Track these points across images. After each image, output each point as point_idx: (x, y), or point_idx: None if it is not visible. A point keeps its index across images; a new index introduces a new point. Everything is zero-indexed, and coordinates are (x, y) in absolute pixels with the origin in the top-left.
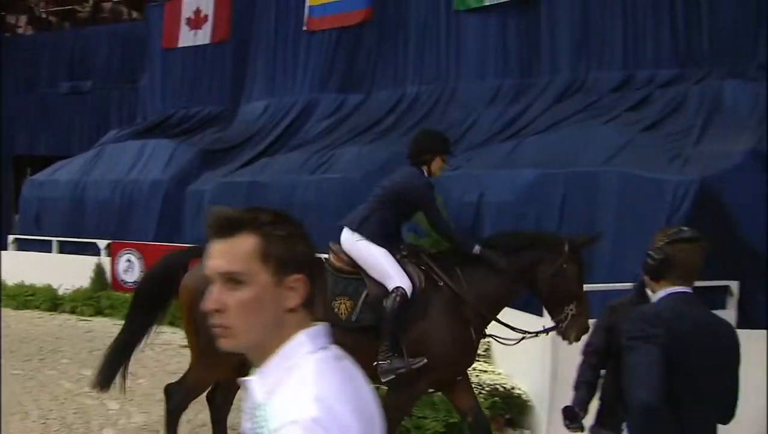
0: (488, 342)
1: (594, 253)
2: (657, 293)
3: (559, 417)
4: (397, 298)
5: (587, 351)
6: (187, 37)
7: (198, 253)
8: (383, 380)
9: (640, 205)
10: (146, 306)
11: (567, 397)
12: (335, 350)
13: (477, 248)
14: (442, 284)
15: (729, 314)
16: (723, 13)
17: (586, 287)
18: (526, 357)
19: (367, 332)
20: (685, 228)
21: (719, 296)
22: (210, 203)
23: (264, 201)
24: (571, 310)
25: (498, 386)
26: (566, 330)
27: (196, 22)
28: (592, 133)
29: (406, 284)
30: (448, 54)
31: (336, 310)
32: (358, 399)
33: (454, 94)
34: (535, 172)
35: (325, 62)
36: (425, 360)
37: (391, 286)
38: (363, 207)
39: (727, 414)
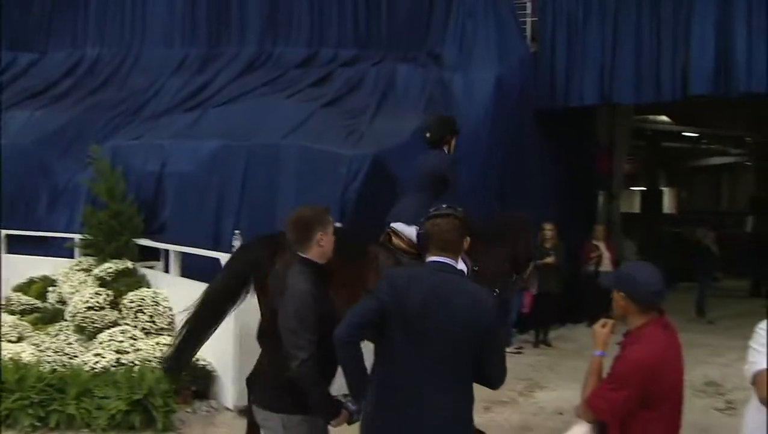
0: (172, 315)
1: (274, 223)
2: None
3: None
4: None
5: None
6: None
7: (274, 245)
8: None
9: (319, 177)
10: (220, 301)
11: (253, 365)
12: None
13: None
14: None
15: None
16: (400, 4)
17: None
18: None
19: None
20: (444, 206)
21: None
22: None
23: None
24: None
25: None
26: (530, 279)
27: None
28: (275, 106)
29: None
30: (133, 17)
31: None
32: None
33: (138, 60)
34: (218, 143)
35: None
36: None
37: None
38: (406, 201)
39: (484, 377)
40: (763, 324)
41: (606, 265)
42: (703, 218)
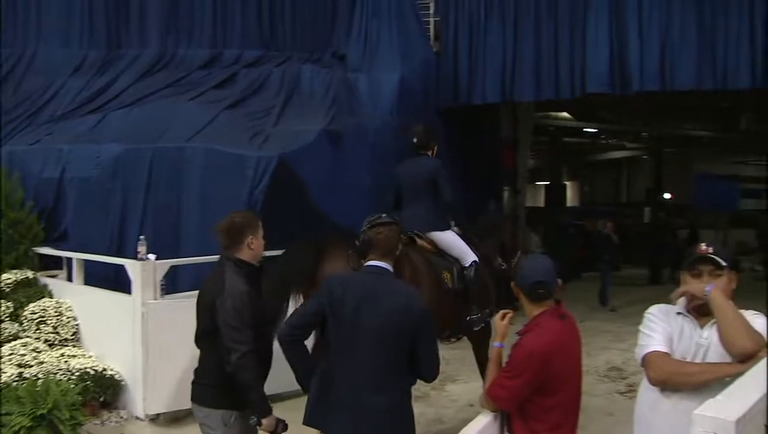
0: (77, 325)
1: (180, 227)
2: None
3: (155, 393)
4: (476, 269)
5: None
6: None
7: (322, 248)
8: (475, 329)
9: (225, 179)
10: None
11: (162, 371)
12: None
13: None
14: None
15: None
16: (304, 4)
17: (177, 262)
18: (117, 337)
19: (459, 294)
20: (384, 215)
21: None
22: None
23: None
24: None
25: (89, 369)
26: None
27: None
28: (179, 109)
29: (476, 257)
30: (27, 16)
31: (445, 280)
32: None
33: (33, 61)
34: (120, 146)
35: None
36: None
37: (469, 260)
38: (416, 209)
39: (417, 372)
40: (652, 309)
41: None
42: (604, 210)
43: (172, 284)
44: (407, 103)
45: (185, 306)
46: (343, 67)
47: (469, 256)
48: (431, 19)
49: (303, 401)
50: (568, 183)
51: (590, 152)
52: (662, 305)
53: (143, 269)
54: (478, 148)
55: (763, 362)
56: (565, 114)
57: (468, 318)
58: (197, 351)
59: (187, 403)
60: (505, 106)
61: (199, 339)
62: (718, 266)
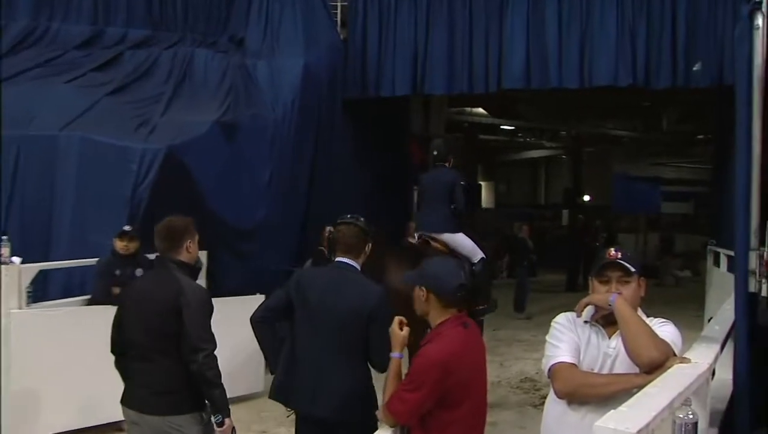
0: None
1: (52, 226)
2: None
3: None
4: (482, 265)
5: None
6: None
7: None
8: (480, 318)
9: (104, 173)
10: None
11: (29, 391)
12: None
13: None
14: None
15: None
16: None
17: (47, 265)
18: None
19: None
20: (348, 215)
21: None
22: None
23: None
24: None
25: None
26: None
27: None
28: (52, 92)
29: (483, 254)
30: None
31: None
32: None
33: None
34: None
35: None
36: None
37: (478, 257)
38: (432, 213)
39: (371, 359)
40: (559, 318)
41: None
42: (520, 212)
43: (41, 291)
44: (311, 94)
45: (57, 316)
46: (241, 52)
47: (478, 253)
48: (338, 4)
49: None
50: (483, 183)
51: (507, 150)
52: (569, 314)
53: (5, 274)
54: (386, 143)
55: (671, 371)
56: (480, 110)
57: (477, 309)
58: (76, 366)
59: (64, 424)
60: (415, 99)
61: (151, 348)
62: (627, 273)
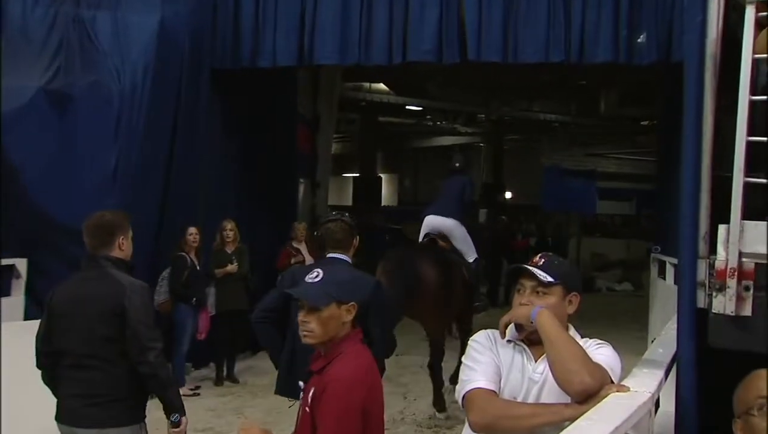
0: None
1: None
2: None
3: None
4: (477, 265)
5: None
6: None
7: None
8: (479, 313)
9: None
10: None
11: None
12: None
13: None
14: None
15: (15, 302)
16: None
17: None
18: None
19: (470, 286)
20: (334, 213)
21: (5, 279)
22: None
23: None
24: None
25: None
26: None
27: None
28: None
29: (477, 256)
30: None
31: (465, 274)
32: None
33: None
34: None
35: None
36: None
37: (473, 257)
38: (444, 204)
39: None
40: (477, 336)
41: None
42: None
43: None
44: (169, 60)
45: None
46: (75, 2)
47: (473, 253)
48: None
49: None
50: (384, 176)
51: (413, 136)
52: (490, 332)
53: None
54: (265, 126)
55: (606, 401)
56: (381, 86)
57: (474, 305)
58: None
59: None
60: (303, 72)
61: (90, 355)
62: (540, 282)
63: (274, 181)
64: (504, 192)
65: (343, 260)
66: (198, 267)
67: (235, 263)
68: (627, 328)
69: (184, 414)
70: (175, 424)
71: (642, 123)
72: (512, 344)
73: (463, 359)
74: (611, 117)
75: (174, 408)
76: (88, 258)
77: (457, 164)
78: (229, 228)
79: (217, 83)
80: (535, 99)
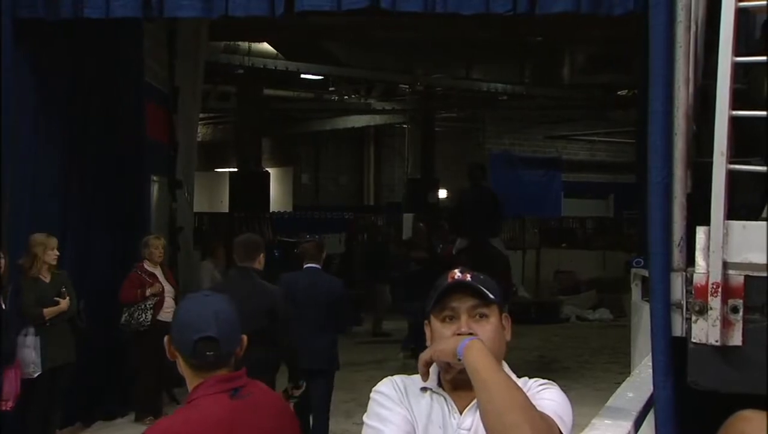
0: None
1: None
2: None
3: None
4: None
5: None
6: None
7: None
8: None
9: None
10: None
11: None
12: None
13: None
14: None
15: None
16: None
17: None
18: None
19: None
20: (308, 236)
21: None
22: None
23: None
24: None
25: None
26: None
27: None
28: None
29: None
30: None
31: None
32: None
33: None
34: None
35: None
36: None
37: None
38: (486, 222)
39: (338, 325)
40: (381, 386)
41: (169, 308)
42: (334, 218)
43: None
44: None
45: None
46: None
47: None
48: None
49: None
50: (272, 170)
51: (312, 116)
52: (399, 379)
53: None
54: (99, 104)
55: None
56: (266, 47)
57: None
58: None
59: None
60: (152, 28)
61: None
62: (484, 299)
63: (113, 179)
64: (436, 189)
65: (317, 268)
66: (3, 306)
67: (67, 298)
68: (604, 370)
69: None
70: None
71: (618, 93)
72: (428, 392)
73: (364, 418)
74: (578, 86)
75: None
76: None
77: (474, 174)
78: (51, 247)
79: (24, 40)
80: (475, 63)
